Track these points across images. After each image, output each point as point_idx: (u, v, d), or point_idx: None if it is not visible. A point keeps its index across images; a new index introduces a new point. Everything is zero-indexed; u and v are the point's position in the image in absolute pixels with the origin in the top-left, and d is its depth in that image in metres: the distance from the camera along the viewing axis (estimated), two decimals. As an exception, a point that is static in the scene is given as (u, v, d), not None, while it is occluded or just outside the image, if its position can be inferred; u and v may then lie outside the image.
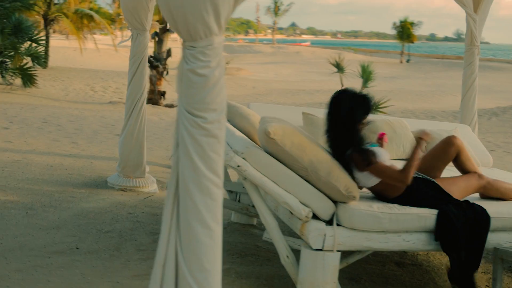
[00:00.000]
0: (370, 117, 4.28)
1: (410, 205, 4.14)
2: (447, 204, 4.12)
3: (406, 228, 4.06)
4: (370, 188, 4.25)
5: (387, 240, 4.05)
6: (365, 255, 4.30)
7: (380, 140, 4.55)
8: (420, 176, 4.39)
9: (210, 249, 2.99)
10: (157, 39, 16.99)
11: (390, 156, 4.39)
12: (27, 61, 17.25)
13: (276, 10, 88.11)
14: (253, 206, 5.01)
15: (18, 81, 17.16)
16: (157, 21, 16.57)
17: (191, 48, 2.89)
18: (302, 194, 4.01)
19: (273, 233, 4.14)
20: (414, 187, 4.23)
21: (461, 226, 4.01)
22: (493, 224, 4.18)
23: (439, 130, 6.16)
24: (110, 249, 4.87)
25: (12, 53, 16.36)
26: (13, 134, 9.46)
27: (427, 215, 4.07)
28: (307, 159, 3.98)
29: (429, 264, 5.24)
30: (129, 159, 6.78)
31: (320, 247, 3.96)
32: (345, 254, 4.32)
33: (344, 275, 4.77)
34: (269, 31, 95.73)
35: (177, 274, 3.03)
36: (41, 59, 17.24)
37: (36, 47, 17.28)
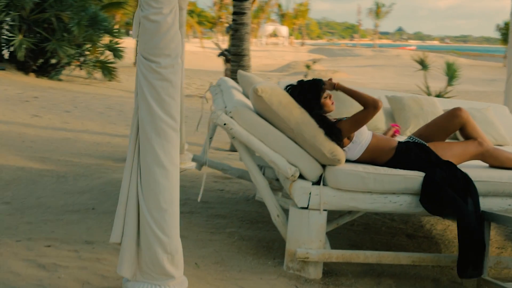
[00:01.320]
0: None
1: (401, 168, 4.17)
2: (435, 167, 4.12)
3: (392, 189, 4.08)
4: (359, 160, 4.29)
5: (373, 200, 4.09)
6: (355, 217, 4.35)
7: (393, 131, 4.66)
8: (413, 140, 4.40)
9: (166, 189, 3.16)
10: (231, 33, 17.24)
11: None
12: (108, 55, 17.90)
13: (378, 12, 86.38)
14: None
15: (100, 74, 17.83)
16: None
17: (145, -3, 3.07)
18: (290, 155, 4.12)
19: (263, 192, 4.26)
20: (404, 150, 4.26)
21: (447, 189, 3.99)
22: (485, 188, 4.15)
23: (470, 108, 6.09)
24: (125, 210, 5.09)
25: (90, 46, 17.03)
26: (72, 116, 9.94)
27: (414, 177, 4.09)
28: (294, 120, 4.08)
29: (441, 237, 5.21)
30: (168, 136, 7.01)
31: (305, 206, 4.05)
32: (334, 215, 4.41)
33: (348, 241, 4.85)
34: (375, 36, 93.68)
35: (139, 213, 3.20)
36: (118, 51, 17.80)
37: (114, 40, 17.87)
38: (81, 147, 7.54)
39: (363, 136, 4.29)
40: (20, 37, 15.16)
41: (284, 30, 78.34)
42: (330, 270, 4.29)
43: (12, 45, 15.21)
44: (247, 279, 3.93)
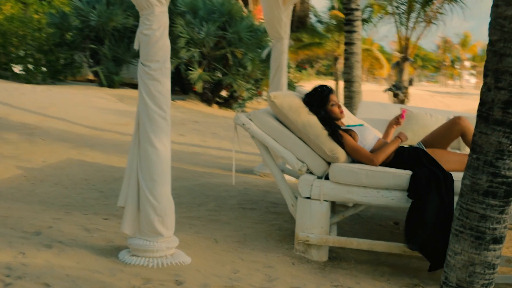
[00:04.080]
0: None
1: (399, 168, 4.69)
2: (423, 167, 4.60)
3: (383, 184, 4.61)
4: (360, 161, 4.87)
5: (366, 194, 4.66)
6: (358, 210, 4.90)
7: (400, 117, 5.15)
8: (417, 145, 4.89)
9: (157, 164, 4.07)
10: (398, 68, 17.82)
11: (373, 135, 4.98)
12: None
13: None
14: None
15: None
16: (398, 51, 17.42)
17: (141, 16, 4.04)
18: (299, 152, 4.83)
19: (280, 184, 4.99)
20: (400, 153, 4.78)
21: (425, 189, 4.44)
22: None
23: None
24: (195, 203, 6.04)
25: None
26: (214, 136, 11.07)
27: (402, 175, 4.59)
28: (301, 122, 4.80)
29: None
30: (270, 149, 7.88)
31: (308, 196, 4.73)
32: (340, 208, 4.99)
33: (377, 238, 5.34)
34: None
35: (138, 183, 4.14)
36: (293, 86, 18.95)
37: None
38: (200, 158, 8.65)
39: (367, 141, 4.88)
40: (199, 71, 16.87)
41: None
42: (337, 256, 4.89)
43: (190, 79, 16.91)
44: (251, 254, 4.66)
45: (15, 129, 8.99)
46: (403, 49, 17.48)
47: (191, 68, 16.82)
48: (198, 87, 16.83)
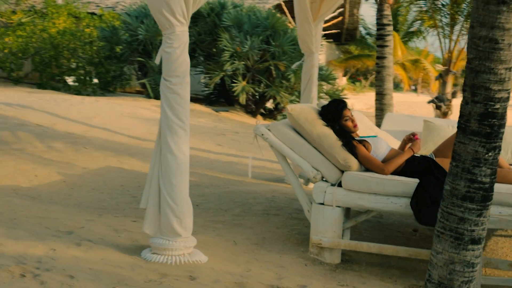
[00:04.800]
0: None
1: (410, 176, 4.96)
2: (430, 175, 4.86)
3: (392, 192, 4.89)
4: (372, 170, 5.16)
5: (377, 201, 4.94)
6: (370, 216, 5.18)
7: (411, 139, 5.40)
8: (429, 156, 5.16)
9: (175, 170, 4.44)
10: (441, 81, 17.89)
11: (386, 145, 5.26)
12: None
13: None
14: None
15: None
16: (442, 64, 17.50)
17: (163, 35, 4.42)
18: (314, 161, 5.15)
19: (296, 191, 5.31)
20: (411, 162, 5.05)
21: (433, 196, 4.69)
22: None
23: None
24: (222, 209, 6.39)
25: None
26: (252, 147, 11.40)
27: (409, 183, 4.86)
28: (316, 133, 5.12)
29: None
30: (299, 160, 8.20)
31: (321, 202, 5.04)
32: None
33: (394, 244, 5.61)
34: None
35: (159, 187, 4.52)
36: (337, 96, 19.23)
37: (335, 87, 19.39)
38: (234, 167, 9.01)
39: (380, 151, 5.17)
40: (243, 83, 17.28)
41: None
42: (350, 259, 5.17)
43: (235, 91, 17.31)
44: (267, 255, 4.97)
45: (60, 138, 9.51)
46: (446, 61, 17.59)
47: (235, 81, 17.23)
48: (241, 99, 17.21)
